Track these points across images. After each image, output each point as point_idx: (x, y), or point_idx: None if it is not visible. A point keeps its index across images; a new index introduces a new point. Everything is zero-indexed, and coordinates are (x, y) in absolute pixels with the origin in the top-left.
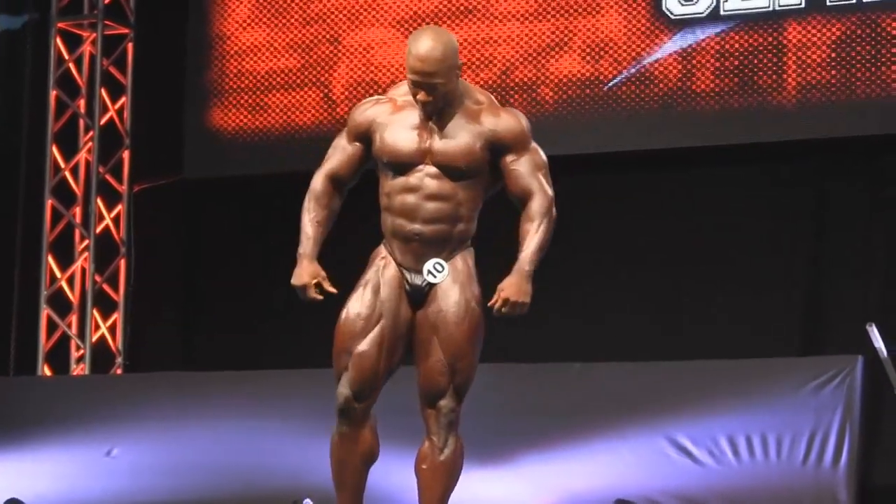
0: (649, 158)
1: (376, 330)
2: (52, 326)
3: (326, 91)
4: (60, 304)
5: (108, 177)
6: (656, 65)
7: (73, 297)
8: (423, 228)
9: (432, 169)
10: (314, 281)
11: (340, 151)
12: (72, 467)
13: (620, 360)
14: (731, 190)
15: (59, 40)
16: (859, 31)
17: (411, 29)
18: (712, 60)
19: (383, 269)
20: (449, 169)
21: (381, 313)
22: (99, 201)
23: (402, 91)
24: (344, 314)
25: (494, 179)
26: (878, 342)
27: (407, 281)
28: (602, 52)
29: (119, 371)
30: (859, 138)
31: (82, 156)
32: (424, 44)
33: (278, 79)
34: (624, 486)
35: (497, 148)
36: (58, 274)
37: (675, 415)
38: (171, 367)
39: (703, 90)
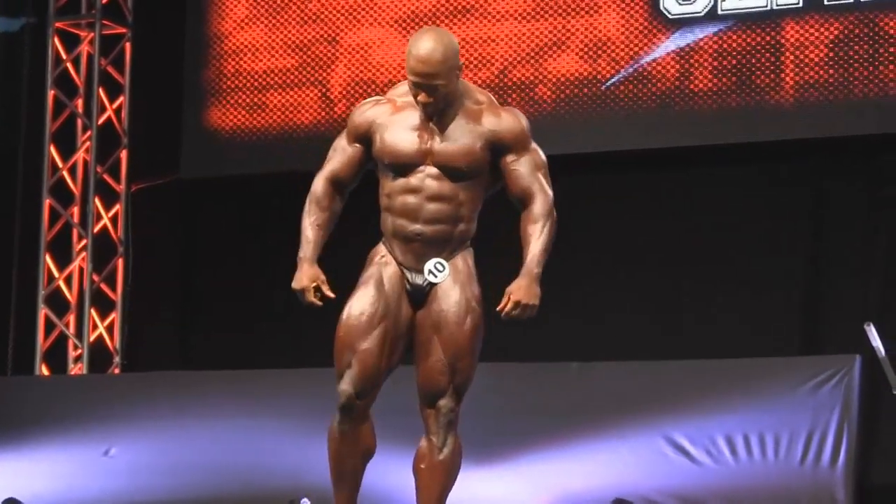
0: (647, 158)
1: (380, 328)
2: (49, 326)
3: (324, 90)
4: (58, 303)
5: (105, 176)
6: (654, 64)
7: (71, 296)
8: (425, 229)
9: (433, 170)
10: (314, 285)
11: (340, 153)
12: (69, 467)
13: (619, 360)
14: (729, 189)
15: (56, 40)
16: (857, 31)
17: (409, 28)
18: (710, 60)
19: (384, 268)
20: (450, 170)
21: (384, 312)
22: (97, 201)
23: (401, 91)
24: (346, 312)
25: (494, 179)
26: (876, 341)
27: (407, 280)
28: (600, 52)
29: (117, 371)
30: (857, 137)
31: (80, 155)
32: (425, 45)
33: (276, 78)
34: (622, 486)
35: (497, 148)
36: (55, 273)
37: (673, 414)
38: (168, 366)
39: (700, 89)
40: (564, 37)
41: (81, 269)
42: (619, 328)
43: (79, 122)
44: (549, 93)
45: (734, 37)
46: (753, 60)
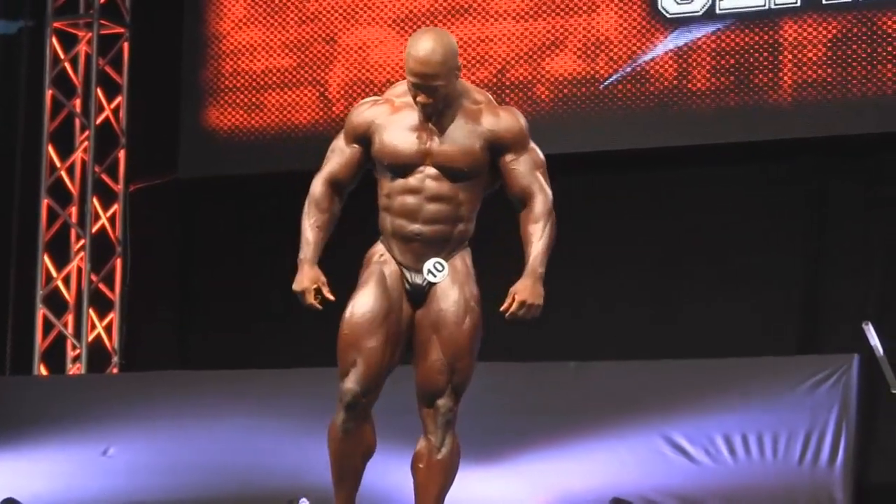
0: (645, 157)
1: (384, 326)
2: (48, 326)
3: (322, 90)
4: (56, 303)
5: (103, 176)
6: (652, 63)
7: (69, 296)
8: (424, 229)
9: (432, 170)
10: (314, 286)
11: (339, 154)
12: (68, 467)
13: (616, 359)
14: (727, 188)
15: (54, 40)
16: (855, 30)
17: (407, 28)
18: (708, 59)
19: (384, 267)
20: (449, 170)
21: (388, 310)
22: (95, 201)
23: (398, 91)
24: (350, 310)
25: (493, 179)
26: (875, 340)
27: (407, 280)
28: (598, 51)
29: (115, 370)
30: (855, 136)
31: (78, 155)
32: (424, 46)
33: (274, 78)
34: (620, 485)
35: (496, 147)
36: (54, 273)
37: (671, 413)
38: (167, 366)
39: (699, 89)
40: (562, 36)
41: (80, 269)
42: (617, 327)
43: (77, 121)
44: (546, 92)
45: (732, 36)
46: (752, 60)
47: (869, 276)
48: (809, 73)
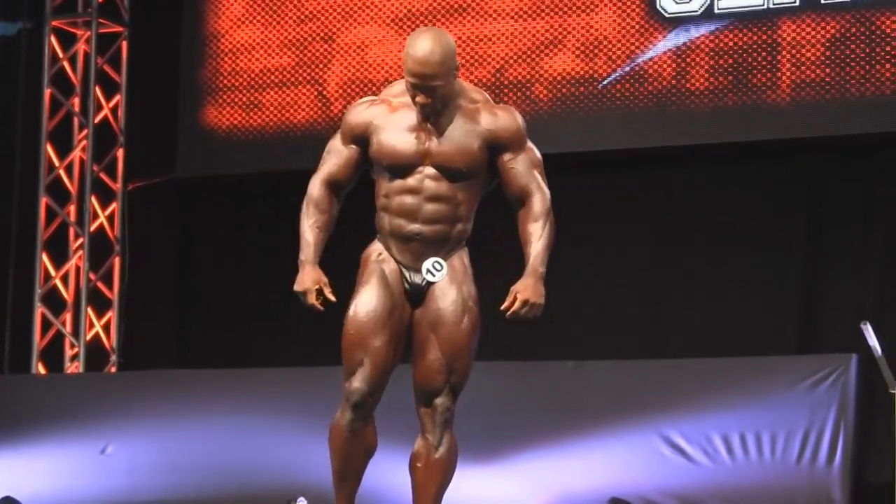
0: (644, 157)
1: (388, 325)
2: (46, 325)
3: (320, 89)
4: (55, 302)
5: (102, 175)
6: (650, 63)
7: (68, 295)
8: (423, 229)
9: (431, 170)
10: (316, 287)
11: (336, 155)
12: (66, 465)
13: (615, 359)
14: (725, 188)
15: (53, 39)
16: (853, 30)
17: (405, 27)
18: (706, 59)
19: (384, 266)
20: (448, 170)
21: (391, 309)
22: (93, 199)
23: (396, 91)
24: (353, 310)
25: (490, 178)
26: (873, 340)
27: (406, 279)
28: (596, 51)
29: (113, 369)
30: (854, 136)
31: (76, 154)
32: (423, 46)
33: (272, 77)
34: (619, 485)
35: (494, 147)
36: (52, 272)
37: (669, 413)
38: (165, 365)
39: (697, 88)
40: (561, 35)
41: (78, 268)
42: (616, 327)
43: (75, 120)
44: (545, 92)
45: (731, 36)
46: (750, 59)
47: (867, 276)
48: (808, 72)
